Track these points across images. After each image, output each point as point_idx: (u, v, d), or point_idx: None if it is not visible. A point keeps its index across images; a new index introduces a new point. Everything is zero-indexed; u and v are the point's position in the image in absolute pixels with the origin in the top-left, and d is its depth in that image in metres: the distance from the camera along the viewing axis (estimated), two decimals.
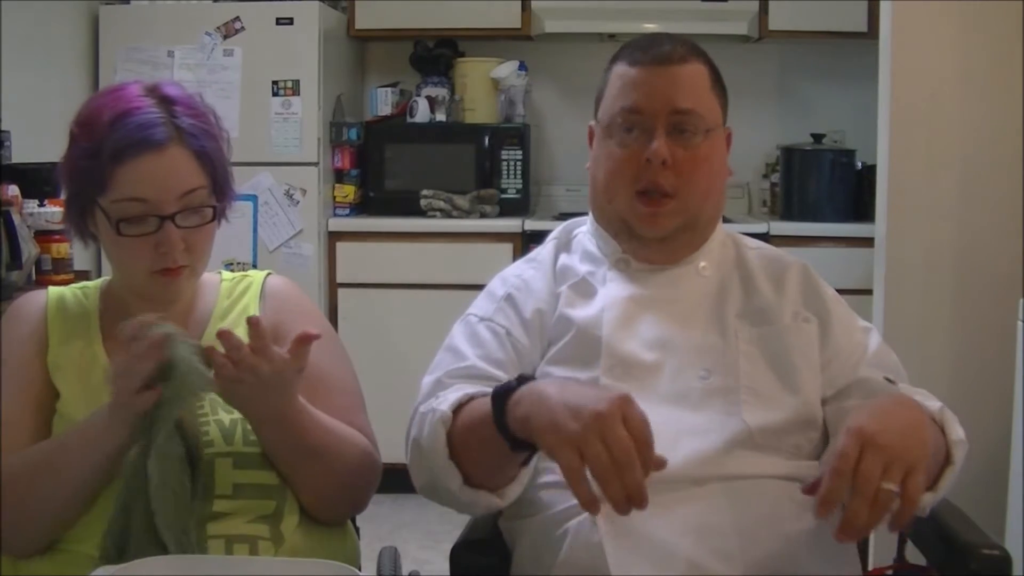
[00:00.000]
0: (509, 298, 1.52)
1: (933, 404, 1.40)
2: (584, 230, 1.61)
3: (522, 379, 1.27)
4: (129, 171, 1.41)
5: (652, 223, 1.48)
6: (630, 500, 1.12)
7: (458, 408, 1.35)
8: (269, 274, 1.61)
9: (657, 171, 1.45)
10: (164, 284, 1.46)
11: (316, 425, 1.43)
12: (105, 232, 1.45)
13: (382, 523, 3.62)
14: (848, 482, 1.18)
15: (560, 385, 1.24)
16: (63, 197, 1.52)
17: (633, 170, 1.46)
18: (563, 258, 1.57)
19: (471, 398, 1.35)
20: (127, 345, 1.32)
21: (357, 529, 1.64)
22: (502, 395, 1.26)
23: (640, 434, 1.14)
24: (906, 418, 1.26)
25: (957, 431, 1.38)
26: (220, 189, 1.49)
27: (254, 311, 1.54)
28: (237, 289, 1.58)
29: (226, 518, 1.40)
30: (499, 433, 1.25)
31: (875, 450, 1.18)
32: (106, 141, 1.41)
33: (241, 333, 1.37)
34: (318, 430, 1.43)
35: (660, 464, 1.16)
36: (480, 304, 1.54)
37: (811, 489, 1.24)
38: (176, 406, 1.33)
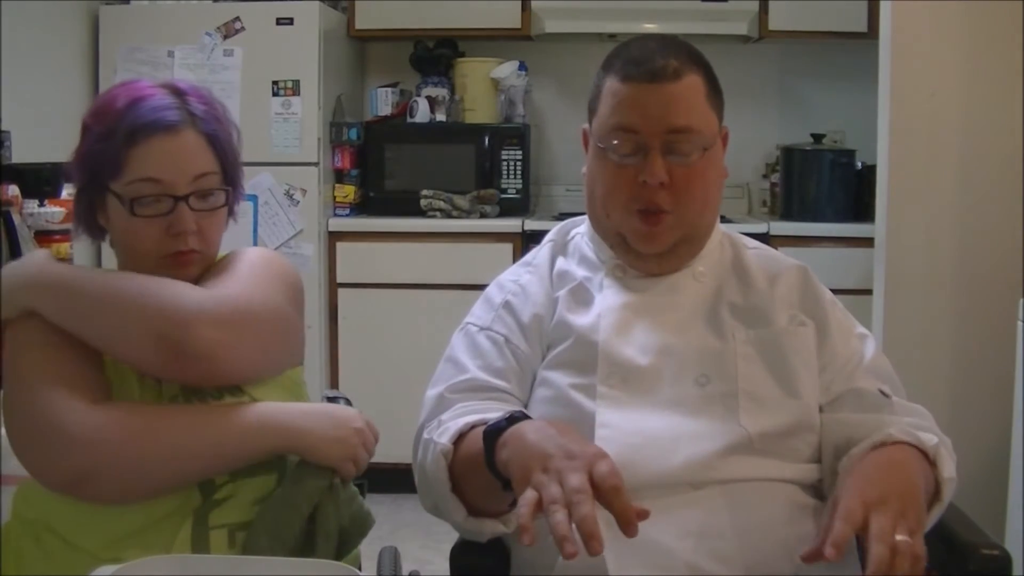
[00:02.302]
0: (507, 305, 1.52)
1: (929, 439, 1.38)
2: (581, 231, 1.60)
3: (512, 419, 1.27)
4: (143, 151, 1.42)
5: (650, 241, 1.47)
6: (584, 536, 1.09)
7: (459, 439, 1.36)
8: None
9: (654, 191, 1.43)
10: (174, 270, 1.46)
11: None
12: (117, 217, 1.45)
13: (382, 523, 3.58)
14: (856, 529, 1.20)
15: (542, 432, 1.23)
16: (73, 191, 1.52)
17: (630, 190, 1.45)
18: (560, 262, 1.56)
19: (472, 427, 1.35)
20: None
21: None
22: (492, 435, 1.27)
23: (604, 483, 1.13)
24: (901, 483, 1.28)
25: (949, 469, 1.37)
26: (230, 178, 1.50)
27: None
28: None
29: (227, 503, 1.39)
30: (490, 473, 1.26)
31: (882, 510, 1.21)
32: (120, 123, 1.42)
33: None
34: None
35: (643, 514, 1.15)
36: (478, 313, 1.55)
37: (810, 556, 1.23)
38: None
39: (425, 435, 1.42)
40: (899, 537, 1.18)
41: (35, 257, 1.52)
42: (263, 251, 1.58)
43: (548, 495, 1.13)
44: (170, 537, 1.36)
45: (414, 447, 1.46)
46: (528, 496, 1.14)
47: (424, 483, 1.41)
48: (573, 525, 1.10)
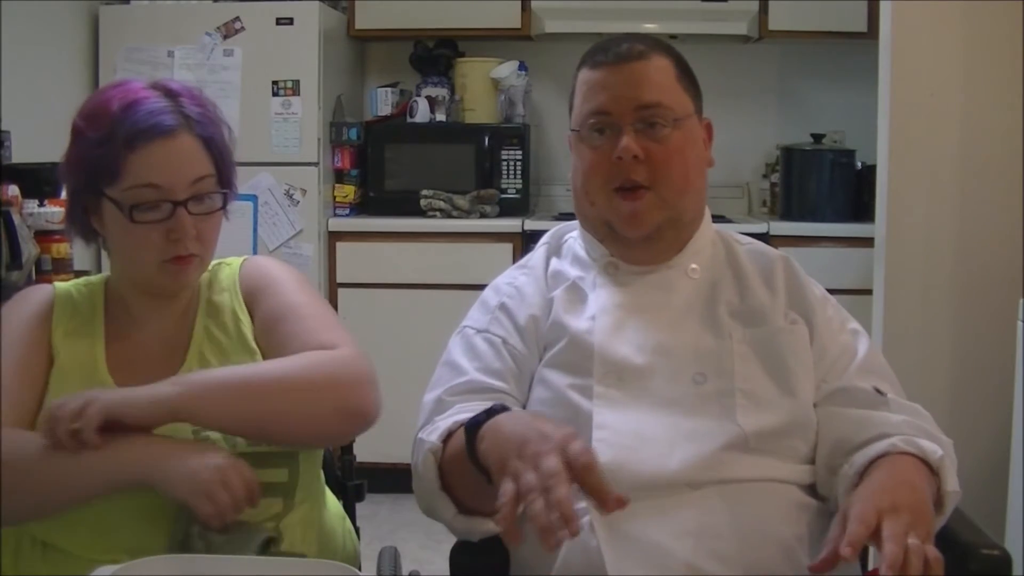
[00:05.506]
0: (503, 307, 1.53)
1: (933, 450, 1.36)
2: (575, 235, 1.61)
3: (492, 411, 1.28)
4: (142, 157, 1.41)
5: (634, 222, 1.48)
6: (561, 519, 1.09)
7: (448, 437, 1.37)
8: (245, 260, 1.60)
9: (629, 167, 1.45)
10: (174, 274, 1.46)
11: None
12: (114, 223, 1.45)
13: (382, 523, 3.62)
14: (871, 531, 1.20)
15: (517, 421, 1.25)
16: (65, 195, 1.52)
17: (606, 169, 1.47)
18: (554, 263, 1.57)
19: (461, 425, 1.35)
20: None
21: (357, 529, 1.64)
22: (473, 429, 1.27)
23: (577, 461, 1.14)
24: (912, 497, 1.28)
25: (953, 482, 1.37)
26: (225, 179, 1.50)
27: (235, 302, 1.54)
28: (216, 279, 1.56)
29: None
30: (474, 468, 1.27)
31: (895, 516, 1.21)
32: (118, 129, 1.41)
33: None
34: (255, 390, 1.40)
35: (621, 501, 1.14)
36: (474, 316, 1.55)
37: (820, 565, 1.22)
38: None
39: (419, 436, 1.42)
40: (911, 540, 1.19)
41: (142, 390, 1.38)
42: (287, 272, 1.58)
43: (524, 483, 1.13)
44: (161, 542, 1.35)
45: (412, 453, 1.46)
46: (506, 488, 1.14)
47: (417, 484, 1.42)
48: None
